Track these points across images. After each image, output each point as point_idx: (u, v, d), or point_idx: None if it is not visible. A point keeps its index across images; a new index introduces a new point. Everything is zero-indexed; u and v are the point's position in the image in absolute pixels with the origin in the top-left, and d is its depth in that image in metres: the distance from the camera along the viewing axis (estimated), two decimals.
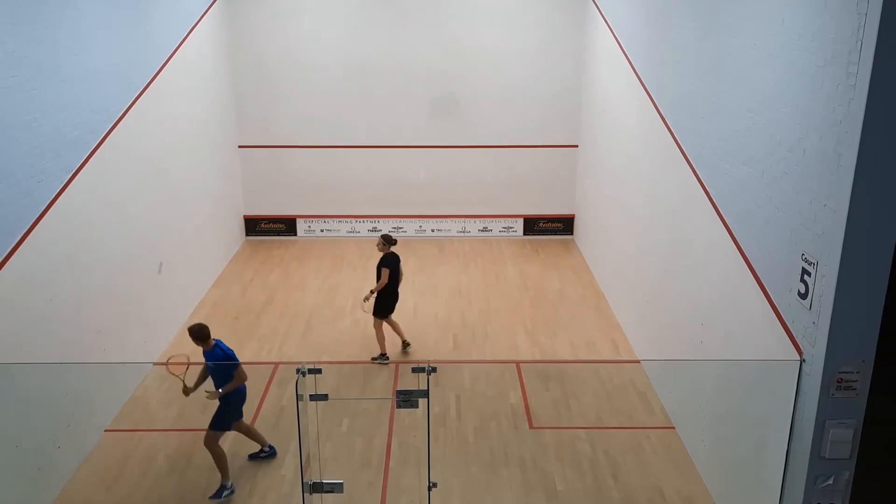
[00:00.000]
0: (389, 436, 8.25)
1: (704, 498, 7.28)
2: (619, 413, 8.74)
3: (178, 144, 11.04)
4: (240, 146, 14.34)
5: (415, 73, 14.02)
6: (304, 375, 6.12)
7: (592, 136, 13.22)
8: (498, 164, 14.56)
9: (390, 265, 9.70)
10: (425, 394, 6.14)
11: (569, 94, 14.07)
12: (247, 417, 8.55)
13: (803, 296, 5.57)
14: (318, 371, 6.92)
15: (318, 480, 6.38)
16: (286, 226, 14.76)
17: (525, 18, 13.81)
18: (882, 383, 5.84)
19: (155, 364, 9.77)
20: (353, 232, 14.90)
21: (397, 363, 9.83)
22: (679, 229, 8.43)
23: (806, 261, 5.53)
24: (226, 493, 7.32)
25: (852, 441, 5.55)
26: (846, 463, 5.63)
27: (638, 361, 9.92)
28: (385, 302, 9.81)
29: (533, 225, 14.95)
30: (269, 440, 8.14)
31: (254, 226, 14.78)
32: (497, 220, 14.92)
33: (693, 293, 7.94)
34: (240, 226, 14.56)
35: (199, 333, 7.37)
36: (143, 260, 9.60)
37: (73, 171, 7.89)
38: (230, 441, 8.10)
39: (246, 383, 7.57)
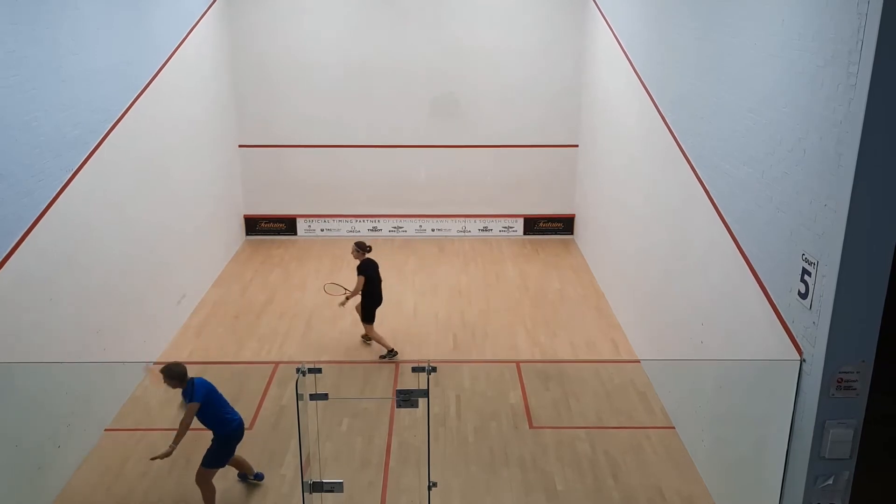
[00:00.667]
0: (389, 435, 8.25)
1: (704, 498, 7.28)
2: (619, 413, 8.74)
3: (178, 144, 11.04)
4: (240, 146, 14.33)
5: (415, 72, 14.02)
6: (304, 375, 6.12)
7: (593, 136, 13.22)
8: (498, 164, 14.56)
9: (367, 272, 9.78)
10: (425, 393, 6.14)
11: (569, 94, 14.06)
12: (247, 417, 8.56)
13: (803, 296, 5.57)
14: (318, 371, 6.92)
15: (318, 480, 6.39)
16: (286, 225, 14.76)
17: (525, 18, 13.81)
18: (882, 383, 5.84)
19: (155, 364, 9.77)
20: (353, 231, 14.89)
21: (397, 363, 9.84)
22: (679, 229, 8.43)
23: (806, 261, 5.53)
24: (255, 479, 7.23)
25: (852, 441, 5.55)
26: (846, 463, 5.63)
27: (638, 361, 9.92)
28: (371, 307, 9.93)
29: (533, 225, 14.95)
30: (270, 440, 8.15)
31: (254, 225, 14.78)
32: (497, 219, 14.92)
33: (693, 293, 7.94)
34: (240, 225, 14.56)
35: (173, 374, 6.71)
36: (142, 260, 9.60)
37: (73, 170, 7.89)
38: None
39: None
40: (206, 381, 6.93)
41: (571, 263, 13.59)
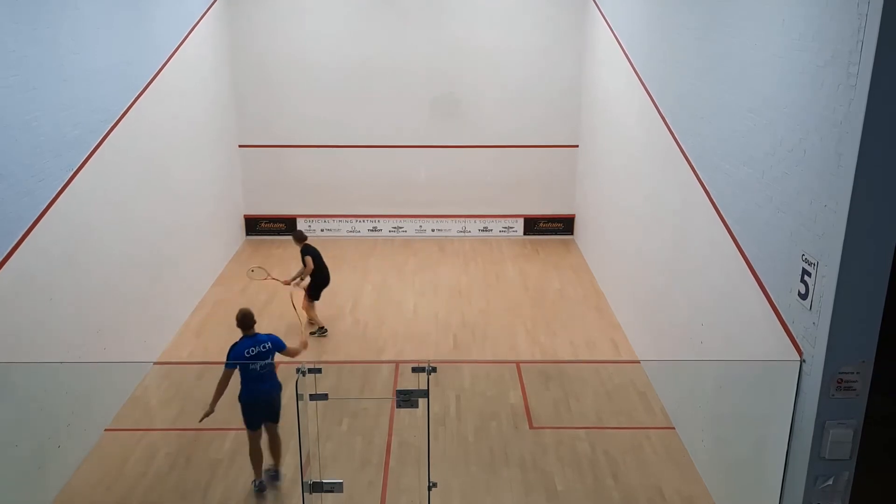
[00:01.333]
0: (389, 435, 8.25)
1: (704, 498, 7.28)
2: (620, 413, 8.74)
3: (178, 144, 11.04)
4: (240, 146, 14.34)
5: (415, 72, 14.02)
6: (304, 375, 6.13)
7: (593, 137, 13.22)
8: (498, 164, 14.56)
9: (311, 252, 10.61)
10: (425, 393, 6.14)
11: (569, 94, 14.07)
12: None
13: (803, 296, 5.57)
14: (318, 371, 6.92)
15: (318, 480, 6.39)
16: (286, 225, 14.75)
17: (525, 18, 13.81)
18: (882, 384, 5.84)
19: (155, 364, 9.78)
20: (353, 232, 14.90)
21: (397, 363, 9.84)
22: (679, 229, 8.43)
23: (806, 261, 5.53)
24: (255, 487, 7.41)
25: (852, 442, 5.54)
26: (846, 463, 5.62)
27: (638, 361, 9.92)
28: (318, 286, 10.72)
29: (533, 225, 14.95)
30: None
31: (254, 225, 14.78)
32: (497, 220, 14.92)
33: (693, 293, 7.94)
34: (240, 225, 14.56)
35: (245, 320, 7.31)
36: (143, 260, 9.60)
37: (74, 170, 7.89)
38: (230, 441, 8.10)
39: (257, 386, 7.31)
40: (245, 344, 7.26)
41: (571, 263, 13.59)
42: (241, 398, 7.24)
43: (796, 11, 5.70)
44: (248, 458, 7.40)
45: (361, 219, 14.88)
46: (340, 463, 7.79)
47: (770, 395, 6.17)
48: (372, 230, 14.89)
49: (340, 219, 14.85)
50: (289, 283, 10.65)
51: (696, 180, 7.79)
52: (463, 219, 14.90)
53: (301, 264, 10.62)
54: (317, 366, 6.72)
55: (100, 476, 7.56)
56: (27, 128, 7.05)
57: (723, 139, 7.13)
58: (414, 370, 6.29)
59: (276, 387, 7.39)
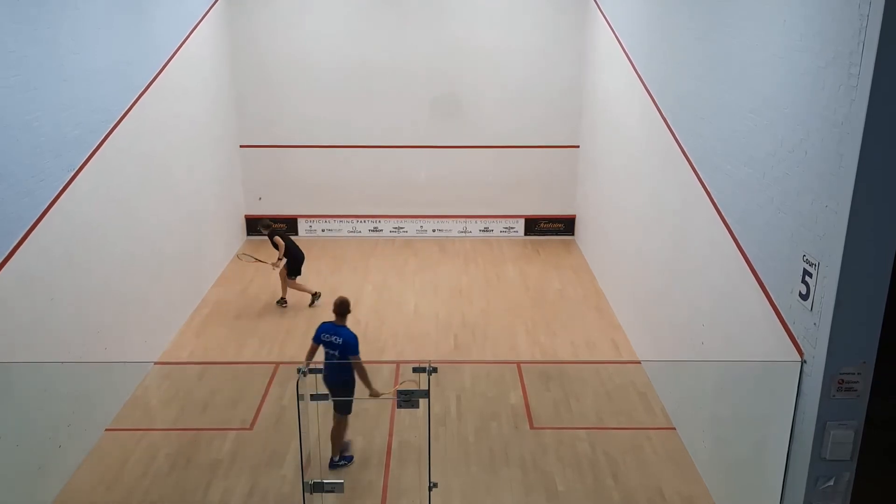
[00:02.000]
0: (390, 436, 8.26)
1: (705, 499, 7.27)
2: (620, 413, 8.73)
3: (179, 144, 11.04)
4: (241, 146, 14.34)
5: (415, 73, 14.02)
6: (304, 375, 6.12)
7: (593, 137, 13.22)
8: (499, 165, 14.55)
9: (281, 234, 11.69)
10: (426, 394, 6.14)
11: (570, 95, 14.06)
12: (246, 417, 8.57)
13: (804, 297, 5.57)
14: (319, 371, 6.92)
15: (319, 480, 6.39)
16: (287, 225, 14.75)
17: (525, 18, 13.80)
18: (883, 385, 5.84)
19: (156, 364, 9.79)
20: (354, 232, 14.90)
21: (398, 363, 9.83)
22: (680, 230, 8.43)
23: (807, 262, 5.53)
24: (341, 463, 7.73)
25: (853, 442, 5.54)
26: (847, 464, 5.62)
27: (638, 362, 9.91)
28: (296, 263, 11.73)
29: (534, 225, 14.95)
30: (270, 439, 8.15)
31: (255, 225, 14.75)
32: (498, 220, 14.92)
33: (694, 294, 7.94)
34: (241, 225, 14.56)
35: (337, 307, 7.64)
36: (143, 260, 9.59)
37: (74, 170, 7.89)
38: (230, 441, 8.11)
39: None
40: (326, 328, 7.56)
41: (572, 264, 13.59)
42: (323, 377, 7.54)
43: (797, 12, 5.70)
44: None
45: (362, 219, 14.88)
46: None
47: (771, 396, 6.17)
48: (373, 230, 14.88)
49: (341, 219, 14.85)
50: (276, 265, 11.61)
51: (697, 181, 7.79)
52: (464, 219, 14.90)
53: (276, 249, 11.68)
54: (318, 366, 6.72)
55: (100, 476, 7.56)
56: (28, 128, 7.05)
57: (723, 139, 7.13)
58: (414, 370, 6.29)
59: (341, 382, 7.54)
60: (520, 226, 14.95)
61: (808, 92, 5.50)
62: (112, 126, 8.78)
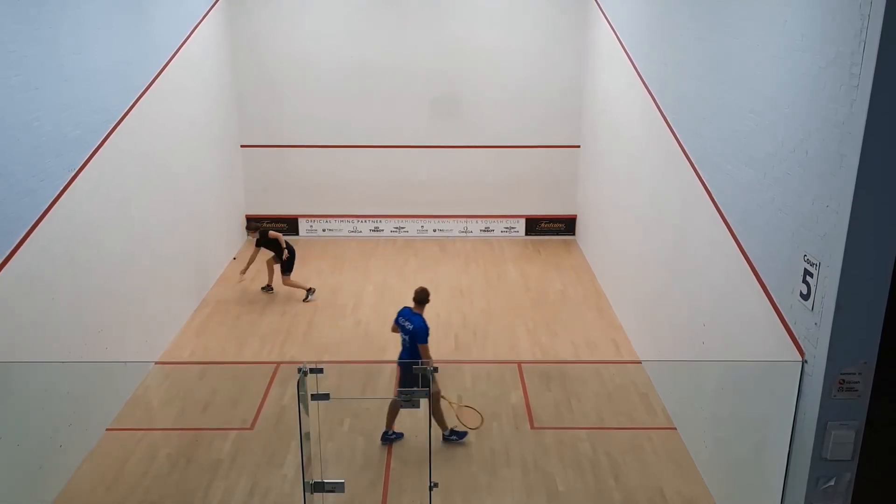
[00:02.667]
0: None
1: (705, 499, 7.27)
2: (621, 414, 8.73)
3: (179, 144, 11.04)
4: (242, 146, 14.34)
5: (416, 73, 14.02)
6: (305, 375, 6.12)
7: (594, 137, 13.22)
8: (499, 165, 14.55)
9: (267, 244, 11.93)
10: (427, 394, 6.15)
11: (570, 95, 14.06)
12: (247, 417, 8.57)
13: (805, 297, 5.57)
14: (320, 371, 6.91)
15: (320, 480, 6.39)
16: (288, 225, 14.75)
17: (526, 18, 13.80)
18: (884, 385, 5.83)
19: (156, 363, 9.79)
20: (354, 232, 14.90)
21: (398, 363, 9.82)
22: (681, 230, 8.42)
23: (808, 262, 5.52)
24: (453, 438, 8.07)
25: (854, 442, 5.54)
26: (848, 464, 5.62)
27: (639, 362, 9.91)
28: (289, 260, 11.94)
29: (535, 225, 14.94)
30: (271, 440, 8.15)
31: (253, 228, 14.76)
32: (499, 220, 14.92)
33: (695, 294, 7.94)
34: (241, 225, 14.56)
35: (416, 295, 8.03)
36: (144, 259, 9.60)
37: (75, 170, 7.89)
38: (230, 441, 8.11)
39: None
40: (404, 312, 8.00)
41: (573, 264, 13.58)
42: None
43: (798, 12, 5.69)
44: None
45: (363, 219, 14.88)
46: (342, 463, 7.79)
47: (771, 396, 6.16)
48: (373, 230, 14.89)
49: (342, 219, 14.85)
50: (284, 258, 11.91)
51: (698, 181, 7.79)
52: (464, 219, 14.90)
53: (274, 249, 11.94)
54: (318, 365, 6.72)
55: (100, 476, 7.56)
56: (28, 128, 7.05)
57: (724, 139, 7.13)
58: (415, 370, 6.29)
59: (407, 366, 7.77)
60: (520, 226, 14.95)
61: (809, 92, 5.50)
62: (113, 126, 8.79)
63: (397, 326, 8.03)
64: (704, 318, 7.63)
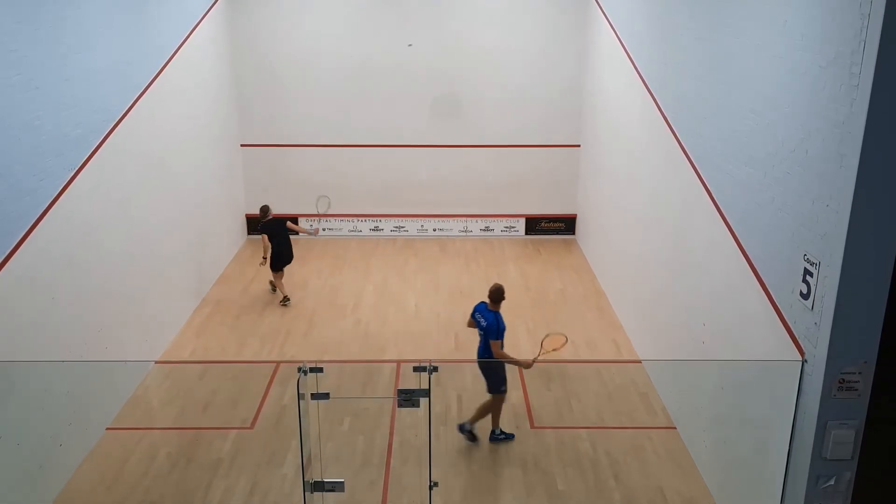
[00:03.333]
0: (391, 435, 8.25)
1: (706, 498, 7.27)
2: (621, 413, 8.73)
3: (179, 144, 11.04)
4: (242, 145, 14.34)
5: (416, 72, 14.02)
6: (305, 374, 6.12)
7: (594, 136, 13.22)
8: (500, 164, 14.55)
9: (268, 230, 11.65)
10: (427, 393, 6.14)
11: (571, 94, 14.06)
12: (247, 416, 8.58)
13: (805, 296, 5.57)
14: (320, 370, 6.90)
15: (320, 479, 6.39)
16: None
17: (526, 18, 13.80)
18: (883, 384, 5.83)
19: (156, 363, 9.79)
20: (354, 231, 14.90)
21: (399, 362, 9.84)
22: (681, 229, 8.42)
23: (808, 261, 5.53)
24: (501, 437, 8.13)
25: (854, 442, 5.54)
26: (848, 464, 5.62)
27: (639, 361, 9.91)
28: (276, 258, 11.72)
29: (535, 225, 14.94)
30: (271, 439, 8.16)
31: (256, 225, 14.76)
32: (499, 219, 14.92)
33: (695, 293, 7.94)
34: (241, 224, 14.56)
35: (491, 293, 7.99)
36: (144, 259, 9.60)
37: (75, 170, 7.89)
38: (230, 441, 8.11)
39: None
40: (480, 308, 8.01)
41: (573, 263, 13.58)
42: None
43: (798, 12, 5.69)
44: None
45: (363, 218, 14.88)
46: (342, 462, 7.79)
47: (771, 396, 6.16)
48: (374, 230, 14.88)
49: (342, 218, 14.85)
50: (264, 260, 11.79)
51: (698, 180, 7.79)
52: (464, 218, 14.90)
53: (274, 232, 11.74)
54: (318, 365, 6.72)
55: (101, 475, 7.57)
56: (29, 127, 7.05)
57: (724, 139, 7.13)
58: (415, 370, 6.28)
59: (484, 361, 7.92)
60: (521, 225, 14.95)
61: (809, 92, 5.50)
62: (113, 125, 8.79)
63: (473, 321, 8.07)
64: (704, 317, 7.63)
